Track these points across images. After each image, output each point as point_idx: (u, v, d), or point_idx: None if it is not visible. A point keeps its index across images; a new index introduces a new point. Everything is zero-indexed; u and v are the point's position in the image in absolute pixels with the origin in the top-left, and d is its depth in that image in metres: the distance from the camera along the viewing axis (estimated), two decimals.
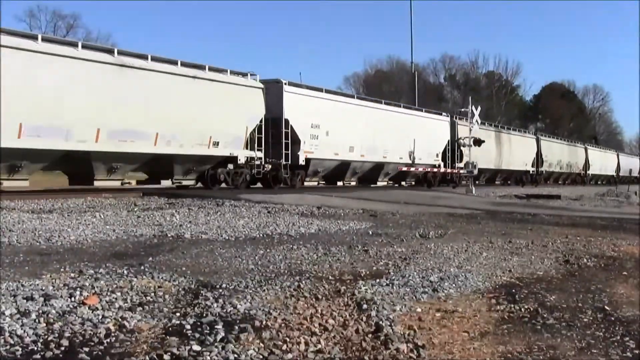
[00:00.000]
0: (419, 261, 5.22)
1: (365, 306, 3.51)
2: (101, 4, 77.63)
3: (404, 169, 24.62)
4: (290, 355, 2.67)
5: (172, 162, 15.82)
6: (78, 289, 3.71)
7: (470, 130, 22.15)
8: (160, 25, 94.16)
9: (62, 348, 2.65)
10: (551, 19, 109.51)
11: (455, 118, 28.92)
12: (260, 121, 17.87)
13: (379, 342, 2.89)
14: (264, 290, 3.88)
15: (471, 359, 2.77)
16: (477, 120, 23.12)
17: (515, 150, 35.16)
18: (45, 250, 5.59)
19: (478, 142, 22.69)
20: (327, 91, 21.59)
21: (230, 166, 17.46)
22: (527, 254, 5.81)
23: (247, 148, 17.65)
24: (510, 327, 3.26)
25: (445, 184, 27.63)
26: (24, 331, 2.81)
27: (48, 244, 5.94)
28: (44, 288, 3.72)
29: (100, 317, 3.12)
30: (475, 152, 24.49)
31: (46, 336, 2.78)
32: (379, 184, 24.61)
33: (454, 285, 4.24)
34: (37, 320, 3.00)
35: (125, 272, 4.37)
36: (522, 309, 3.62)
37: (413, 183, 26.71)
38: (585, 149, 48.45)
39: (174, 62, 15.74)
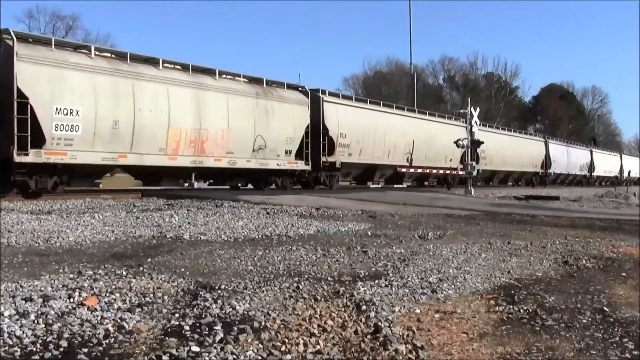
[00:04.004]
0: (417, 262, 5.22)
1: (364, 307, 3.51)
2: (100, 4, 77.66)
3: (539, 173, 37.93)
4: (289, 357, 2.67)
5: None
6: (77, 289, 3.71)
7: (469, 131, 22.16)
8: (160, 25, 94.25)
9: (61, 349, 2.65)
10: (550, 20, 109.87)
11: (548, 139, 40.61)
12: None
13: (378, 343, 2.89)
14: (263, 291, 3.88)
15: None
16: (476, 122, 23.07)
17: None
18: (44, 251, 5.58)
19: (477, 143, 22.65)
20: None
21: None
22: (526, 255, 5.81)
23: None
24: (509, 328, 3.26)
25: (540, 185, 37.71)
26: (23, 332, 2.81)
27: (47, 245, 5.94)
28: (42, 289, 3.71)
29: (99, 318, 3.12)
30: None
31: (45, 337, 2.78)
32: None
33: (452, 286, 4.24)
34: (35, 321, 3.00)
35: (124, 273, 4.37)
36: (521, 310, 3.62)
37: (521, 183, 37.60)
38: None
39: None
